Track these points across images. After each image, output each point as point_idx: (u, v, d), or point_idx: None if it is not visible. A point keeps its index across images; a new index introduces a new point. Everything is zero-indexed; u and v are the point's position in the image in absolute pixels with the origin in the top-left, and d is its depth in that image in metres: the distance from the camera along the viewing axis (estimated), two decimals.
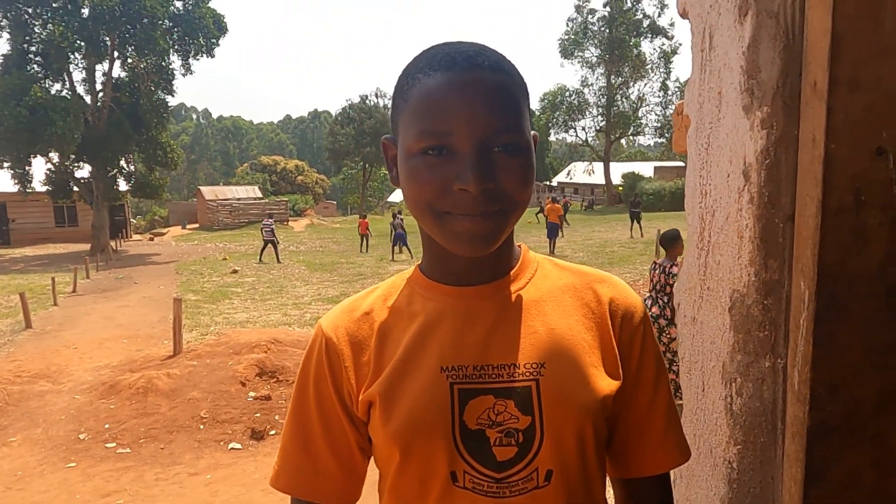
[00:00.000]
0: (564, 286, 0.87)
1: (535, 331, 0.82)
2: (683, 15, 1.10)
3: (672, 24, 44.77)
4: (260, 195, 46.36)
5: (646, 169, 48.02)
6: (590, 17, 45.33)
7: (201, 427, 5.86)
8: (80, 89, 27.19)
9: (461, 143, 0.74)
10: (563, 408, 0.78)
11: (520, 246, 0.91)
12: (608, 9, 44.32)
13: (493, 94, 0.75)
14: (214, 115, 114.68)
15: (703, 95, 1.03)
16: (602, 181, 47.65)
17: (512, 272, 0.86)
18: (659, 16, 44.51)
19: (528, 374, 0.80)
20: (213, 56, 29.21)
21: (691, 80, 1.08)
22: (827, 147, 0.78)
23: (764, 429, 0.93)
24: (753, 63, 0.89)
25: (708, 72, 1.01)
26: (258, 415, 6.06)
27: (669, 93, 45.09)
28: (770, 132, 0.87)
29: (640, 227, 22.71)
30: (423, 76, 0.77)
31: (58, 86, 26.63)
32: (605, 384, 0.81)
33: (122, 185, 28.77)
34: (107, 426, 5.93)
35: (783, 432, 0.90)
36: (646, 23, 44.53)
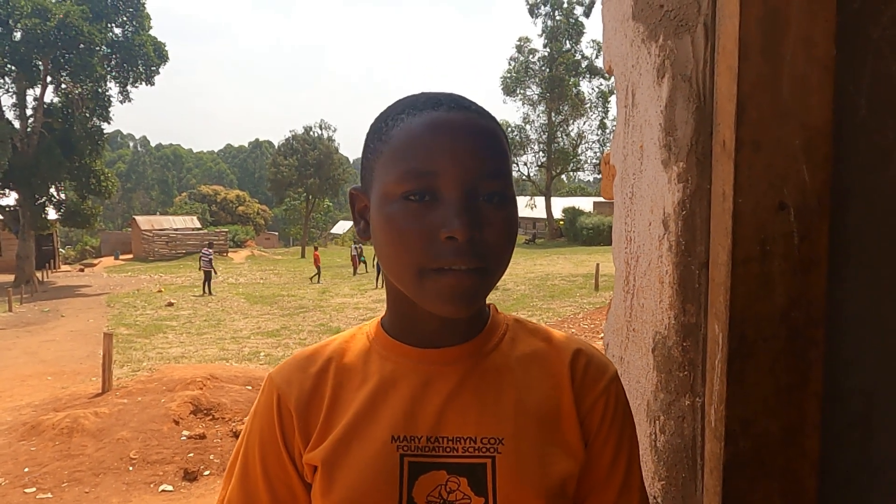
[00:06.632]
0: (533, 353, 0.80)
1: (497, 402, 0.76)
2: (609, 72, 1.18)
3: None
4: (199, 225, 45.36)
5: (585, 204, 49.37)
6: (531, 56, 46.78)
7: (130, 469, 5.60)
8: (10, 114, 26.18)
9: (447, 187, 0.68)
10: (520, 490, 0.72)
11: (489, 306, 0.84)
12: (548, 49, 45.84)
13: (483, 137, 0.71)
14: (153, 143, 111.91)
15: (627, 148, 1.10)
16: (544, 215, 48.65)
17: (479, 336, 0.79)
18: (596, 57, 46.26)
19: (484, 449, 0.73)
20: (152, 84, 28.76)
21: (616, 132, 1.15)
22: (735, 201, 0.84)
23: (685, 464, 0.98)
24: (670, 121, 0.96)
25: (631, 126, 1.08)
26: (192, 455, 5.84)
27: (607, 131, 46.71)
28: (686, 186, 0.94)
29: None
30: (406, 116, 0.72)
31: None
32: (568, 465, 0.75)
33: (52, 214, 27.65)
34: (27, 470, 5.60)
35: (702, 467, 0.95)
36: (584, 63, 46.21)
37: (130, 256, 39.33)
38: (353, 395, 0.78)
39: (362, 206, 0.78)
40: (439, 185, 0.68)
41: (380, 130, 0.74)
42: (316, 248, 25.77)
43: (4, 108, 26.05)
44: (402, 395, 0.76)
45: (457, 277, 0.68)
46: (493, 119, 0.75)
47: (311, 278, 23.40)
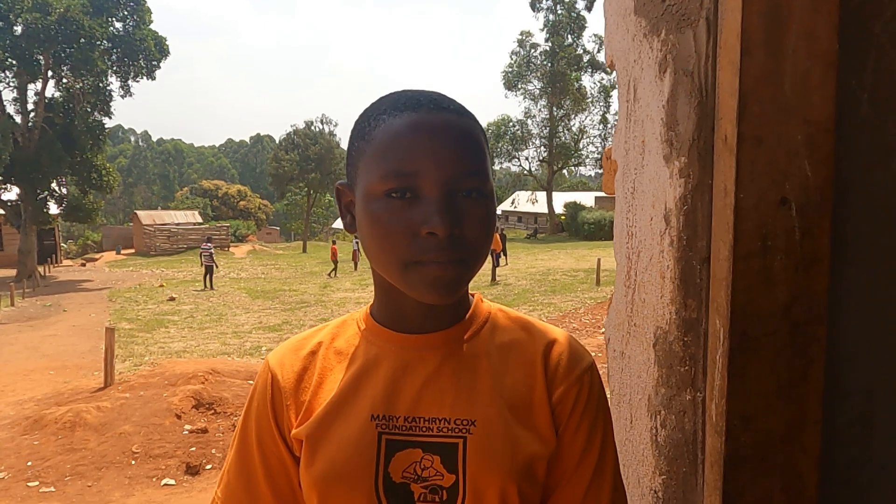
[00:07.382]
0: (511, 341, 0.84)
1: (472, 386, 0.80)
2: (611, 66, 1.17)
3: None
4: (200, 220, 45.42)
5: (587, 198, 49.27)
6: (532, 51, 46.65)
7: (133, 462, 5.62)
8: (11, 109, 26.16)
9: (427, 186, 0.72)
10: (487, 469, 0.76)
11: (473, 294, 0.88)
12: (550, 43, 45.71)
13: (461, 137, 0.74)
14: (154, 138, 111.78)
15: (629, 143, 1.10)
16: (545, 210, 48.62)
17: (460, 323, 0.84)
18: (598, 51, 46.15)
19: (457, 430, 0.77)
20: (153, 78, 28.73)
21: (618, 127, 1.15)
22: (737, 196, 0.84)
23: (686, 459, 0.98)
24: (672, 116, 0.96)
25: (633, 121, 1.08)
26: (194, 449, 5.86)
27: (609, 125, 46.61)
28: (687, 181, 0.94)
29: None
30: (387, 117, 0.75)
31: None
32: (536, 448, 0.78)
33: (53, 209, 27.67)
34: (29, 464, 5.62)
35: (703, 462, 0.95)
36: (586, 58, 46.10)
37: (132, 251, 39.39)
38: (339, 375, 0.84)
39: (348, 201, 0.82)
40: (420, 185, 0.72)
41: (363, 130, 0.78)
42: (334, 243, 26.01)
43: (5, 103, 26.04)
44: (384, 376, 0.81)
45: (440, 268, 0.72)
46: (473, 117, 0.78)
47: (328, 273, 23.51)
